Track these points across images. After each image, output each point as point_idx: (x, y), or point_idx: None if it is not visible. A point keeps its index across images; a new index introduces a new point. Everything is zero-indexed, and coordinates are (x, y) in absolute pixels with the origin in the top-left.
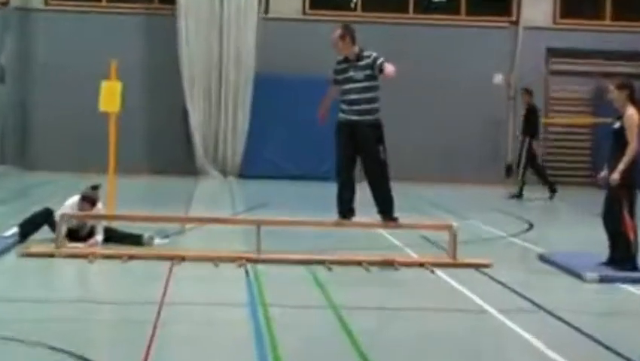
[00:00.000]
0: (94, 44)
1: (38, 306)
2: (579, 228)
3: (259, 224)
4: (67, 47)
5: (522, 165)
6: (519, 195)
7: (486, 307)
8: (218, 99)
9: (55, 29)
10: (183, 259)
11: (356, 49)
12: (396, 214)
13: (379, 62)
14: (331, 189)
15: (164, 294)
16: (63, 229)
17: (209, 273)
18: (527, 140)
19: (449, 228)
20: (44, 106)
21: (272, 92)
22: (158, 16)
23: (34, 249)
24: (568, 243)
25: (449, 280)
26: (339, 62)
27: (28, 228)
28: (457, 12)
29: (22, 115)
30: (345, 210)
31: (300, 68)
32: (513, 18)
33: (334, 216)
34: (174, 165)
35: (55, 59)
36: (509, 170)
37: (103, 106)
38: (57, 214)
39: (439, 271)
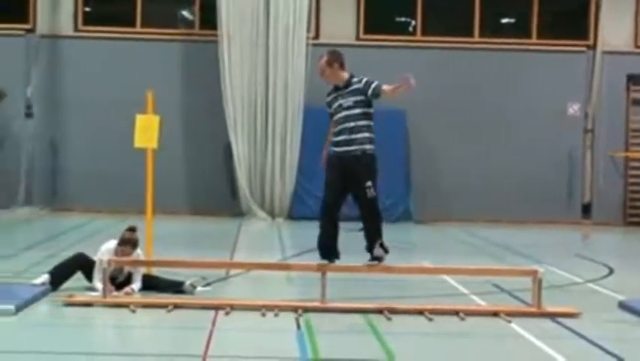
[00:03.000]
0: (128, 74)
1: (76, 359)
2: None
3: (323, 270)
4: (99, 77)
5: None
6: None
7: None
8: (265, 133)
9: (86, 58)
10: (231, 307)
11: (345, 75)
12: (460, 259)
13: (373, 86)
14: (390, 231)
15: (207, 346)
16: (106, 276)
17: (256, 323)
18: None
19: (533, 273)
20: (75, 142)
21: (323, 125)
22: (198, 43)
23: (78, 297)
24: None
25: (523, 332)
26: (329, 93)
27: (59, 275)
28: (528, 35)
29: (51, 152)
30: (326, 254)
31: None
32: (591, 41)
33: (393, 260)
34: (216, 205)
35: (86, 91)
36: (586, 209)
37: (139, 142)
38: (97, 260)
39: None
